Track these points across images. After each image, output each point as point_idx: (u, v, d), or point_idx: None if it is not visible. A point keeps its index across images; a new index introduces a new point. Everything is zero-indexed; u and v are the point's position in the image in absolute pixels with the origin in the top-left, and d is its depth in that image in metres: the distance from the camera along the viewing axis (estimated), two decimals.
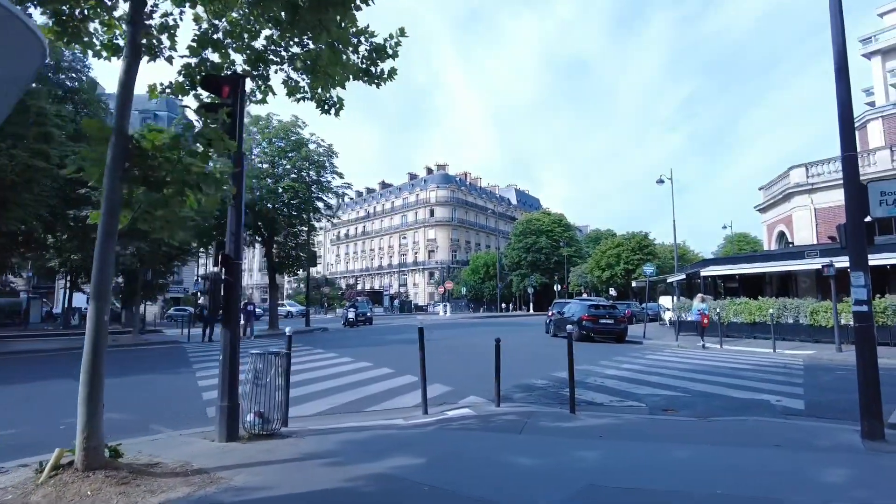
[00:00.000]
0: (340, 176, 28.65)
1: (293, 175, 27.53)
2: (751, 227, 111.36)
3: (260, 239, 27.85)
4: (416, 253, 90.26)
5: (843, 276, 18.57)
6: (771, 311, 15.71)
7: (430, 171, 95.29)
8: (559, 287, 55.85)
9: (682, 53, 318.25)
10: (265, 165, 27.42)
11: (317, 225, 33.33)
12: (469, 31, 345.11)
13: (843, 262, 16.92)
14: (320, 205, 29.11)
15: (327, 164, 28.22)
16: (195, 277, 48.88)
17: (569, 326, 8.71)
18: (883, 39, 34.82)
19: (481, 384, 9.40)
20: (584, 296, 50.94)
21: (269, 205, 26.85)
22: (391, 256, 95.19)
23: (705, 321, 16.75)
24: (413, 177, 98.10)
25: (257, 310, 49.97)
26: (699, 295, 17.02)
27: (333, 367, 12.08)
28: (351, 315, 31.02)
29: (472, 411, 7.31)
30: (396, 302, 64.39)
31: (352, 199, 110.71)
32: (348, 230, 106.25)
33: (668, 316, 23.58)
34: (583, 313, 19.29)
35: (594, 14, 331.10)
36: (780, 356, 14.54)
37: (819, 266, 16.97)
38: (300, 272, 30.55)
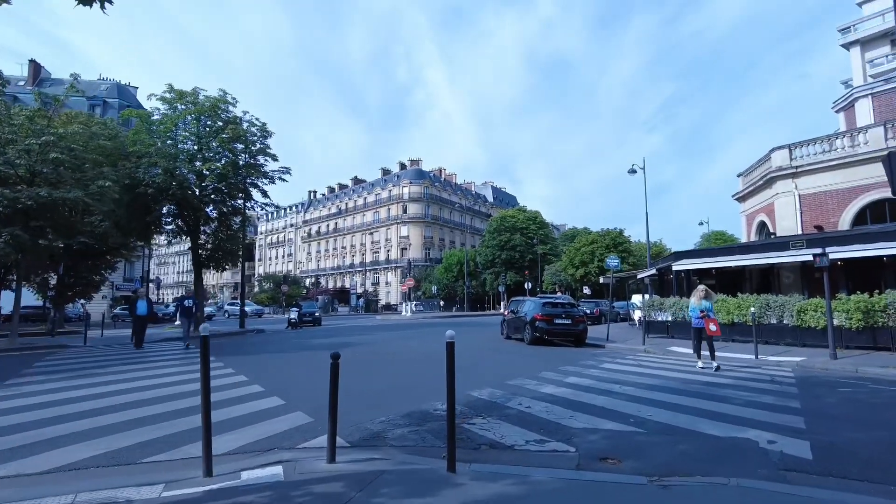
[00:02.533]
0: (274, 158, 25.61)
1: (226, 158, 24.54)
2: (728, 226, 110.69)
3: (185, 229, 24.73)
4: (388, 251, 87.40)
5: (836, 269, 16.26)
6: (752, 309, 13.24)
7: (403, 166, 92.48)
8: (530, 285, 53.33)
9: (662, 55, 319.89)
10: (190, 146, 24.38)
11: (255, 214, 30.42)
12: (450, 29, 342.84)
13: (838, 252, 14.60)
14: (255, 191, 26.06)
15: (260, 145, 25.21)
16: (140, 275, 45.30)
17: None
18: (862, 29, 33.22)
19: (362, 412, 6.88)
20: (559, 294, 48.59)
21: (194, 191, 23.81)
22: (363, 254, 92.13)
23: (712, 327, 11.28)
24: (386, 172, 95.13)
25: (208, 309, 47.09)
26: (700, 288, 11.81)
27: (188, 385, 9.20)
28: (293, 316, 28.11)
29: (282, 472, 4.52)
30: (361, 301, 61.31)
31: (323, 195, 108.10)
32: (319, 227, 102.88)
33: (637, 315, 21.08)
34: (536, 312, 16.66)
35: (576, 13, 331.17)
36: (763, 364, 12.04)
37: (808, 257, 14.55)
38: (229, 266, 27.37)
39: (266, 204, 26.79)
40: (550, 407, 7.19)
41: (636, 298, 27.34)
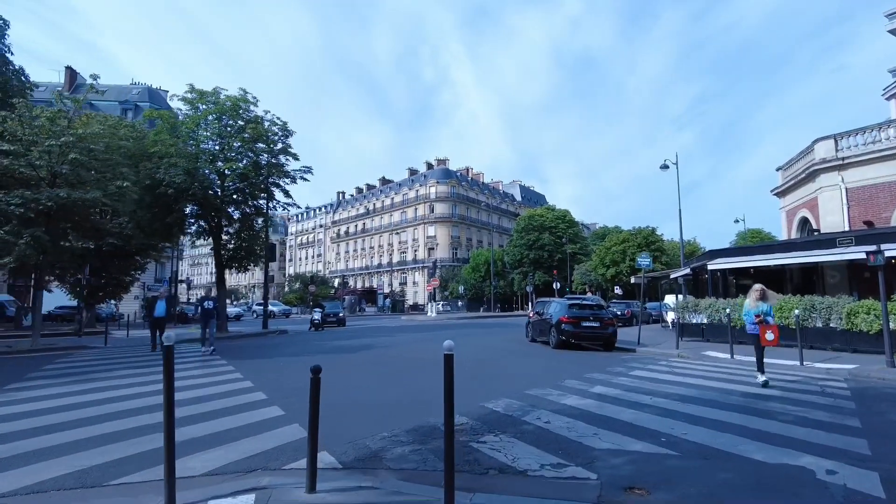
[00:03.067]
0: (296, 157, 25.34)
1: (248, 157, 24.41)
2: (765, 223, 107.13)
3: (207, 230, 24.66)
4: (415, 251, 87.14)
5: (890, 269, 15.04)
6: (796, 311, 12.20)
7: (430, 166, 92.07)
8: (558, 285, 52.19)
9: (691, 50, 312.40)
10: (212, 146, 24.31)
11: (285, 214, 30.27)
12: (476, 28, 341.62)
13: (894, 249, 13.39)
14: (277, 191, 25.85)
15: (281, 145, 24.98)
16: (168, 276, 45.86)
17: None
18: None
19: (365, 426, 6.34)
20: (588, 295, 47.42)
21: (216, 191, 23.72)
22: (391, 254, 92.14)
23: (769, 335, 9.23)
24: (413, 172, 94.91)
25: (236, 309, 47.37)
26: (756, 288, 9.68)
27: (189, 391, 8.77)
28: (317, 317, 27.60)
29: (253, 503, 3.95)
30: (388, 301, 61.06)
31: (351, 195, 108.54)
32: (348, 227, 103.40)
33: (670, 317, 20.05)
34: (561, 314, 15.86)
35: (602, 10, 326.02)
36: (810, 371, 11.04)
37: (858, 255, 13.43)
38: (253, 267, 27.24)
39: (288, 203, 26.55)
40: (572, 422, 6.48)
41: (669, 299, 26.17)
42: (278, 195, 26.31)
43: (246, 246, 25.78)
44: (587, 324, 15.57)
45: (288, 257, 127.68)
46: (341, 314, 31.21)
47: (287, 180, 25.86)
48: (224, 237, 25.57)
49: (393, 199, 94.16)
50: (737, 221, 60.23)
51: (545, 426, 6.32)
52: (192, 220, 25.03)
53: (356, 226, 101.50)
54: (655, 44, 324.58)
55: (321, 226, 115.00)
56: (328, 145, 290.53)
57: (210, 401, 7.89)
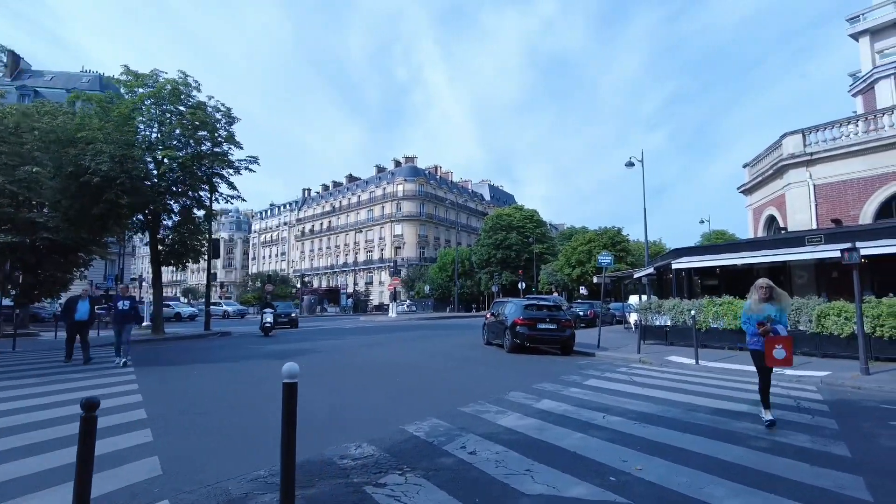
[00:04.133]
0: (239, 146, 23.62)
1: (189, 146, 22.62)
2: (730, 226, 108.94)
3: (143, 223, 22.75)
4: (382, 249, 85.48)
5: (860, 268, 14.30)
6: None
7: (398, 163, 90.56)
8: (524, 285, 51.37)
9: (664, 52, 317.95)
10: (151, 132, 22.47)
11: (242, 210, 28.38)
12: (450, 27, 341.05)
13: (864, 248, 12.57)
14: (222, 183, 24.08)
15: (225, 132, 23.23)
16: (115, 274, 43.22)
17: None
18: (871, 18, 31.25)
19: (242, 461, 4.97)
20: (554, 294, 46.68)
21: (154, 181, 21.86)
22: (356, 253, 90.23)
23: (777, 353, 6.22)
24: (381, 170, 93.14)
25: (191, 308, 44.78)
26: (761, 284, 6.71)
27: (55, 409, 7.23)
28: (268, 319, 23.89)
29: None
30: (350, 301, 59.34)
31: (317, 193, 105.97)
32: (313, 226, 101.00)
33: (633, 318, 19.11)
34: (516, 316, 14.67)
35: (576, 11, 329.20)
36: (779, 378, 10.04)
37: (829, 254, 12.62)
38: (191, 263, 25.37)
39: (232, 196, 24.76)
40: (503, 453, 5.21)
41: (633, 300, 25.35)
42: (223, 188, 24.58)
43: (186, 241, 23.97)
44: (543, 326, 14.41)
45: (251, 256, 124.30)
46: (293, 315, 29.49)
47: (231, 171, 24.11)
48: (164, 231, 23.72)
49: (360, 196, 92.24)
50: (702, 222, 60.53)
51: (468, 459, 5.03)
52: (126, 212, 23.07)
53: (321, 224, 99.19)
54: (629, 45, 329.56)
55: (285, 223, 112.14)
56: (298, 142, 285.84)
57: (70, 423, 6.38)
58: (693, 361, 12.06)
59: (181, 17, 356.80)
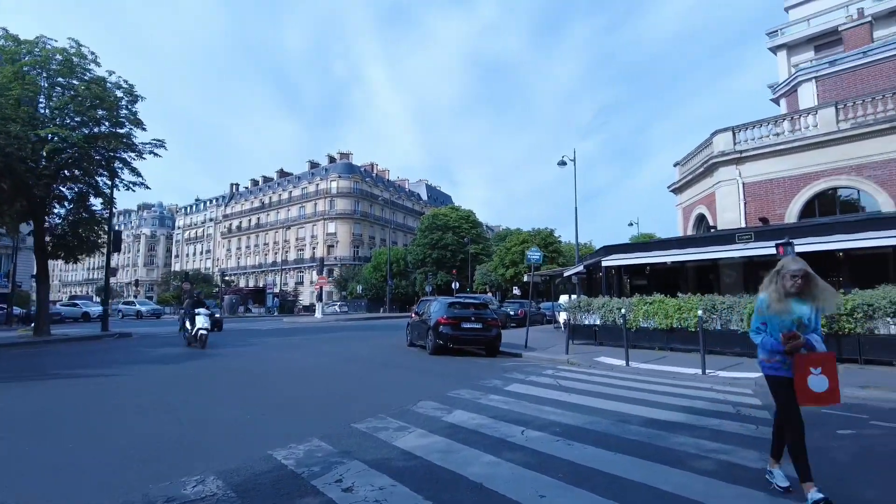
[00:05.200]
0: (142, 127, 21.23)
1: (86, 125, 20.05)
2: (658, 230, 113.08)
3: (27, 210, 19.92)
4: (314, 248, 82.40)
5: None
6: (700, 312, 10.60)
7: (332, 159, 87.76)
8: (457, 285, 50.52)
9: (599, 62, 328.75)
10: (37, 108, 19.72)
11: (168, 207, 25.69)
12: (392, 26, 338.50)
13: (801, 244, 12.23)
14: (122, 168, 21.55)
15: (126, 111, 20.78)
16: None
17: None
18: (789, 33, 32.82)
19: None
20: (488, 294, 46.07)
21: (30, 163, 19.09)
22: (286, 252, 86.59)
23: (816, 383, 3.64)
24: (314, 165, 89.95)
25: (101, 308, 40.57)
26: (792, 269, 3.73)
27: None
28: (203, 325, 15.35)
29: None
30: (276, 301, 56.50)
31: (246, 188, 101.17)
32: (241, 222, 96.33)
33: (562, 318, 18.39)
34: (440, 315, 13.46)
35: (517, 18, 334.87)
36: (713, 381, 9.36)
37: (767, 250, 12.20)
38: (83, 256, 22.63)
39: (134, 183, 22.20)
40: (388, 489, 3.92)
41: (563, 299, 24.82)
42: (126, 174, 22.05)
43: (80, 232, 21.28)
44: (468, 325, 13.28)
45: (175, 253, 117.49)
46: (217, 315, 26.99)
47: (133, 154, 21.62)
48: (53, 220, 20.95)
49: (291, 192, 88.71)
50: (631, 224, 61.98)
51: (339, 500, 3.70)
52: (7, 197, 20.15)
53: (250, 220, 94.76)
54: (566, 54, 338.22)
55: (212, 220, 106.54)
56: (229, 135, 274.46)
57: None
58: (623, 363, 11.27)
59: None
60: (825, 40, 30.19)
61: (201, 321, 15.26)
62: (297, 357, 13.33)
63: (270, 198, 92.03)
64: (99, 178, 21.32)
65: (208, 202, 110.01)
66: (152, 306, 45.99)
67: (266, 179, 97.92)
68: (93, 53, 20.14)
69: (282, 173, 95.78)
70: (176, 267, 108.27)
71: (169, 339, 19.65)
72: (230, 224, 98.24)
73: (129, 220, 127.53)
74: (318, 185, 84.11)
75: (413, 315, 16.93)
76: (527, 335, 15.42)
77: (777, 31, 33.96)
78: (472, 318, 13.41)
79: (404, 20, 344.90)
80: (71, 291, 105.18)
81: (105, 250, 23.21)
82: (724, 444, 5.11)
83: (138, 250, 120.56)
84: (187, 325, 15.98)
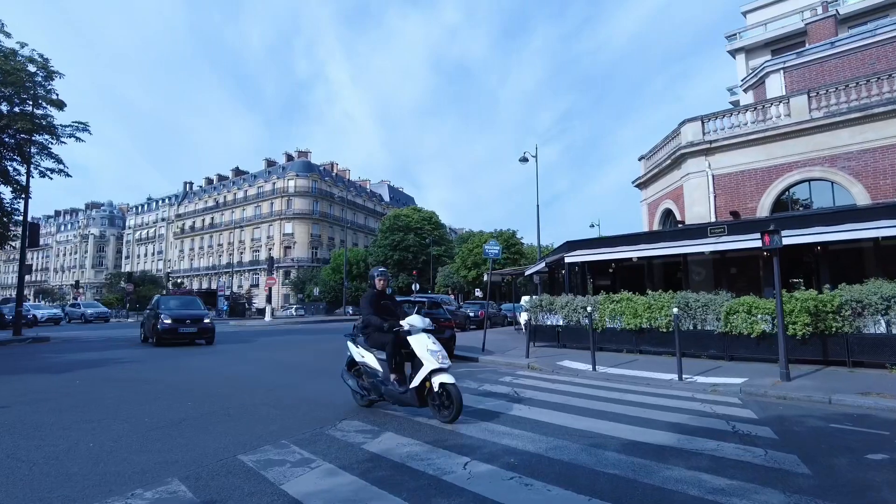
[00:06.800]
0: (59, 107, 19.04)
1: None
2: (621, 231, 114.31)
3: None
4: (270, 249, 79.28)
5: (759, 262, 13.20)
6: (675, 310, 9.42)
7: (290, 157, 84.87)
8: (417, 286, 49.02)
9: (560, 68, 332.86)
10: None
11: (126, 206, 23.26)
12: (355, 26, 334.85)
13: (794, 235, 11.13)
14: (40, 155, 19.31)
15: (40, 88, 18.58)
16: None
17: None
18: (746, 37, 32.86)
19: None
20: (449, 296, 44.69)
21: None
22: (241, 253, 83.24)
23: None
24: (271, 164, 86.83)
25: (49, 311, 37.03)
26: None
27: None
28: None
29: None
30: (227, 304, 53.78)
31: (200, 187, 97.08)
32: (194, 222, 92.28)
33: (523, 319, 17.14)
34: None
35: (479, 22, 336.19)
36: (693, 388, 8.16)
37: (751, 243, 11.20)
38: None
39: (51, 170, 19.91)
40: None
41: (525, 300, 23.68)
42: (46, 163, 19.79)
43: None
44: None
45: (125, 254, 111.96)
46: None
47: (50, 138, 19.38)
48: None
49: (247, 191, 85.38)
50: (592, 226, 61.35)
51: None
52: None
53: (203, 220, 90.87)
54: (528, 59, 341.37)
55: (164, 220, 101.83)
56: (184, 132, 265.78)
57: None
58: (589, 367, 10.02)
59: None
60: (782, 44, 30.09)
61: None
62: (221, 364, 11.58)
63: (225, 197, 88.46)
64: (8, 164, 19.00)
65: (161, 201, 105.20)
66: (99, 309, 42.32)
67: (221, 178, 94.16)
68: (0, 22, 17.90)
69: (237, 172, 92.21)
70: (126, 268, 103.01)
71: (90, 343, 17.52)
72: (183, 224, 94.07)
73: (77, 219, 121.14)
74: (274, 183, 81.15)
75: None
76: (484, 337, 14.03)
77: (736, 34, 34.01)
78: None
79: (366, 20, 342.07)
80: (5, 294, 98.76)
81: (18, 244, 20.79)
82: (733, 480, 3.79)
83: (86, 251, 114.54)
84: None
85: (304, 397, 7.34)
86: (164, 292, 58.75)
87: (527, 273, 23.21)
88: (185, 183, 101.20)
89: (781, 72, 17.92)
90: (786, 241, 10.32)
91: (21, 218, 20.07)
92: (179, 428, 5.48)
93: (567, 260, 15.38)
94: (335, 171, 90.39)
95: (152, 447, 4.73)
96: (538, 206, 25.05)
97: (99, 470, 4.07)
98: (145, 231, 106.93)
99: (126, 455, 4.48)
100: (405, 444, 4.82)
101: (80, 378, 9.14)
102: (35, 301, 77.34)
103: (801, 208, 14.98)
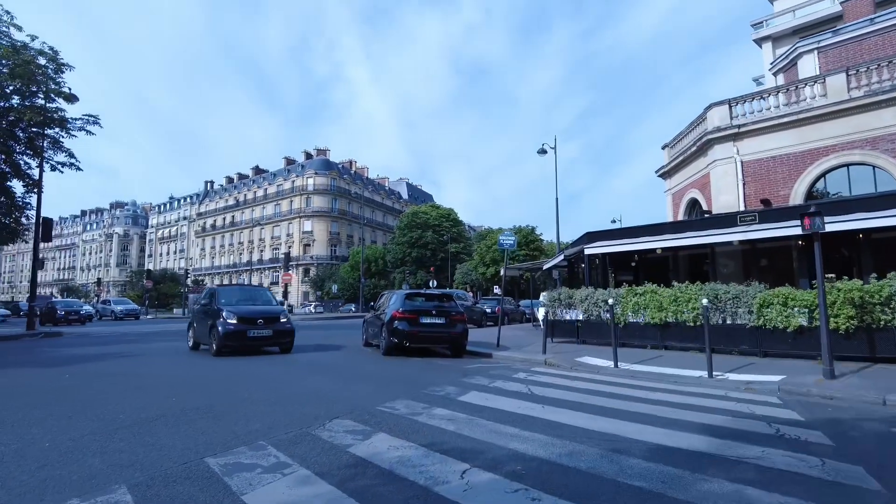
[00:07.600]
0: (70, 100, 18.86)
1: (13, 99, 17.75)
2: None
3: None
4: (290, 247, 79.46)
5: (794, 251, 12.32)
6: (704, 302, 8.67)
7: (309, 156, 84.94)
8: (434, 283, 48.45)
9: (579, 66, 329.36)
10: None
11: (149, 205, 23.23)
12: (373, 26, 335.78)
13: (835, 222, 10.12)
14: (52, 149, 19.21)
15: (50, 81, 18.42)
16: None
17: None
18: (773, 25, 31.44)
19: None
20: (468, 292, 44.02)
21: None
22: (262, 251, 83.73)
23: None
24: (290, 162, 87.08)
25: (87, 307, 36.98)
26: None
27: None
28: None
29: None
30: None
31: (221, 185, 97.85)
32: (215, 220, 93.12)
33: (540, 314, 16.40)
34: (395, 308, 11.34)
35: (498, 20, 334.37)
36: (725, 386, 7.41)
37: (791, 230, 10.36)
38: (8, 245, 20.19)
39: (63, 164, 19.79)
40: None
41: (543, 296, 22.91)
42: (58, 157, 19.70)
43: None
44: (428, 320, 11.18)
45: (148, 252, 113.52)
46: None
47: (61, 132, 19.26)
48: None
49: (266, 190, 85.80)
50: (614, 221, 60.00)
51: None
52: None
53: (224, 219, 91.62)
54: (547, 57, 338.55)
55: (185, 218, 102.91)
56: (206, 133, 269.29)
57: None
58: (611, 363, 9.30)
59: None
60: (812, 31, 28.71)
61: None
62: (225, 359, 11.12)
63: (245, 195, 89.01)
64: (20, 158, 18.92)
65: (182, 200, 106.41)
66: (129, 306, 42.19)
67: (241, 177, 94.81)
68: (9, 15, 17.77)
69: (257, 170, 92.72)
70: (150, 266, 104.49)
71: (105, 338, 17.30)
72: (204, 223, 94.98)
73: (102, 218, 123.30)
74: (294, 181, 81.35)
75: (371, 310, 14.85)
76: (499, 332, 13.37)
77: (762, 22, 32.68)
78: (434, 312, 11.30)
79: (386, 20, 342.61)
80: (39, 291, 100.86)
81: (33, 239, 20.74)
82: (788, 498, 3.10)
83: (110, 250, 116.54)
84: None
85: (295, 395, 6.76)
86: (184, 290, 59.15)
87: (545, 267, 22.42)
88: (206, 182, 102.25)
89: (815, 52, 16.89)
90: (827, 228, 9.49)
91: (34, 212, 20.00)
92: (152, 426, 4.95)
93: (587, 252, 14.63)
94: (354, 168, 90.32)
95: (113, 447, 4.21)
96: (557, 198, 24.31)
97: (41, 474, 3.55)
98: (167, 230, 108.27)
99: (80, 457, 3.95)
100: (398, 447, 4.21)
101: (71, 372, 8.74)
102: (61, 297, 78.61)
103: (836, 196, 14.03)
